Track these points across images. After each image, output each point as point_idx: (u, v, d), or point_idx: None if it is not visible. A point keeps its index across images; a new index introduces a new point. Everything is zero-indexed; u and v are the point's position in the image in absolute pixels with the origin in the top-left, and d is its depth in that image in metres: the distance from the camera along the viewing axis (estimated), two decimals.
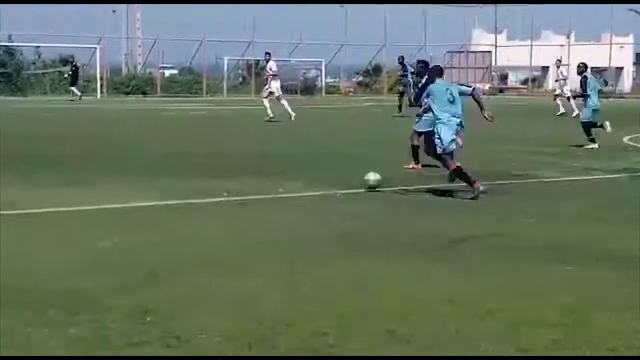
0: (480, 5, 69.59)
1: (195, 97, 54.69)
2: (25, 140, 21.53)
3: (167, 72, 65.62)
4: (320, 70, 64.21)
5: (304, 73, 64.32)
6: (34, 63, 55.55)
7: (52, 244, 9.24)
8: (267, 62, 32.46)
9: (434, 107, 13.41)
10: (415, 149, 16.36)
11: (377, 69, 66.24)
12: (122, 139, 23.04)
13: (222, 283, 7.74)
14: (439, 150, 13.29)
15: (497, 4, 68.92)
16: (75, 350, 5.89)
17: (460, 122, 13.28)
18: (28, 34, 56.31)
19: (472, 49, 72.64)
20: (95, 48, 56.29)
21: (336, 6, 65.39)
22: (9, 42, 54.51)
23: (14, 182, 13.76)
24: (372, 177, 13.45)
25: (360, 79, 67.95)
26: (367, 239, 9.88)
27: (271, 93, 31.13)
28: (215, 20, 60.71)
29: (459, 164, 13.17)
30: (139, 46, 64.13)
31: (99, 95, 53.28)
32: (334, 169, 16.43)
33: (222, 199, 12.67)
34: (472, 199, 12.65)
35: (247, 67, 64.24)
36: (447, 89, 13.44)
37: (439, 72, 14.03)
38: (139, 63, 63.19)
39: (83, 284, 7.54)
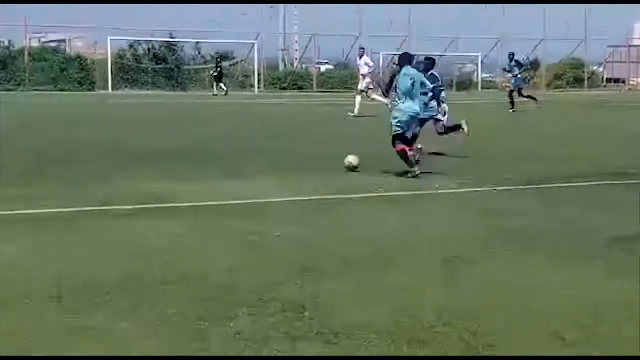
0: None
1: (351, 92, 54.81)
2: (183, 137, 22.03)
3: (324, 68, 66.07)
4: (477, 65, 63.36)
5: (460, 68, 63.60)
6: (194, 59, 56.88)
7: (209, 238, 9.33)
8: (361, 57, 31.93)
9: (398, 93, 14.59)
10: None
11: (535, 64, 64.81)
12: (279, 134, 23.26)
13: (379, 279, 7.63)
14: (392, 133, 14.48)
15: None
16: (234, 345, 5.87)
17: (417, 112, 14.49)
18: (189, 30, 57.74)
19: (635, 42, 70.15)
20: (254, 44, 57.19)
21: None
22: (170, 38, 56.05)
23: (173, 176, 14.06)
24: (352, 160, 14.77)
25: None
26: (529, 236, 9.59)
27: (364, 91, 30.34)
28: (371, 16, 60.55)
29: (403, 147, 14.27)
30: (296, 42, 64.81)
31: (256, 90, 54.19)
32: (489, 165, 16.11)
33: (376, 194, 12.57)
34: (413, 177, 14.02)
35: None
36: (411, 78, 14.46)
37: (406, 59, 14.95)
38: (296, 59, 63.87)
39: (240, 278, 7.56)
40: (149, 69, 53.85)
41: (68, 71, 51.84)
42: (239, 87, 55.78)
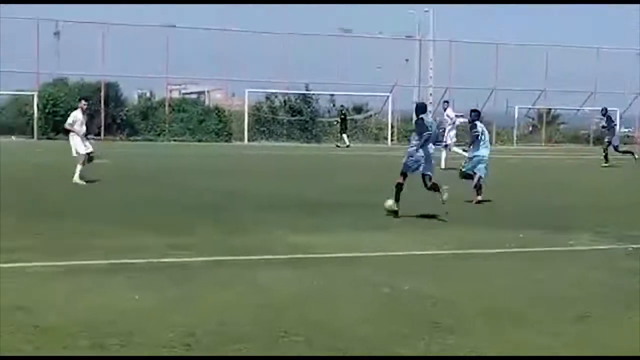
0: None
1: None
2: (320, 188, 22.30)
3: (459, 121, 65.80)
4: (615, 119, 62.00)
5: (597, 122, 62.35)
6: (329, 111, 57.60)
7: (341, 289, 9.42)
8: (445, 110, 32.14)
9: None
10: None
11: None
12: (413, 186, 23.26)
13: (508, 337, 7.55)
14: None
15: None
16: None
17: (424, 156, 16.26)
18: (324, 82, 58.54)
19: None
20: (388, 96, 57.53)
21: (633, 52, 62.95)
22: (306, 90, 56.96)
23: (309, 226, 14.27)
24: (390, 203, 15.87)
25: None
26: None
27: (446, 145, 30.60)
28: (506, 69, 60.09)
29: (400, 182, 16.06)
30: (430, 94, 64.87)
31: (389, 143, 54.42)
32: (623, 222, 15.74)
33: (508, 249, 12.46)
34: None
35: (538, 115, 63.38)
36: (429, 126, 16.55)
37: (422, 109, 17.08)
38: (430, 111, 63.91)
39: (370, 330, 7.61)
40: (285, 120, 54.82)
41: (206, 122, 53.27)
42: (372, 140, 56.14)
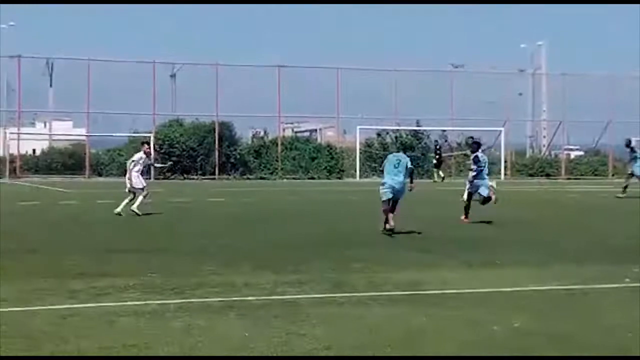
0: None
1: (600, 179, 53.44)
2: (430, 222, 22.21)
3: (573, 154, 64.77)
4: None
5: None
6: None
7: (449, 326, 9.35)
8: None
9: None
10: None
11: None
12: (526, 221, 22.99)
13: None
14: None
15: None
16: None
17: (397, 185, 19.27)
18: (435, 118, 58.44)
19: None
20: (500, 131, 57.03)
21: None
22: (417, 126, 56.96)
23: (417, 264, 14.24)
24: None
25: None
26: None
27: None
28: (623, 100, 58.86)
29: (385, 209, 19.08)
30: (544, 128, 64.03)
31: (502, 177, 53.85)
32: None
33: (623, 284, 12.17)
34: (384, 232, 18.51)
35: None
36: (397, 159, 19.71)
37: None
38: (544, 145, 63.03)
39: None
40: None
41: (318, 160, 53.73)
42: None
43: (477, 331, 9.06)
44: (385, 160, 20.02)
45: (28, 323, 9.22)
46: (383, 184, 19.56)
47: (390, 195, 19.22)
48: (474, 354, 8.09)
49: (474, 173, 22.60)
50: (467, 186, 22.76)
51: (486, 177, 22.80)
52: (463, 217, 22.21)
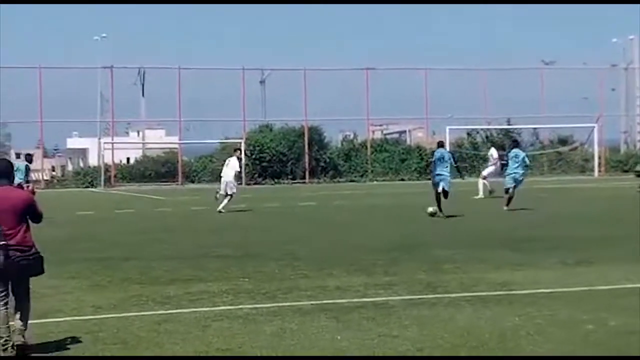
0: None
1: None
2: (525, 222, 21.95)
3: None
4: None
5: None
6: (532, 144, 56.66)
7: (543, 326, 9.24)
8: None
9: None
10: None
11: None
12: (624, 219, 22.58)
13: None
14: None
15: None
16: None
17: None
18: (527, 116, 57.74)
19: None
20: (593, 127, 56.04)
21: None
22: (507, 124, 56.35)
23: (510, 264, 14.10)
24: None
25: None
26: None
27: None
28: None
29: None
30: (638, 123, 62.66)
31: (596, 174, 52.97)
32: None
33: None
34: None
35: None
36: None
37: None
38: (638, 140, 61.71)
39: None
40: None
41: (408, 161, 53.57)
42: (578, 171, 54.80)
43: (571, 331, 8.93)
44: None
45: (124, 329, 9.41)
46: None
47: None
48: (569, 354, 7.97)
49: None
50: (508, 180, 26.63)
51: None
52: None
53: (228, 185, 27.09)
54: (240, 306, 10.68)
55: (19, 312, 8.35)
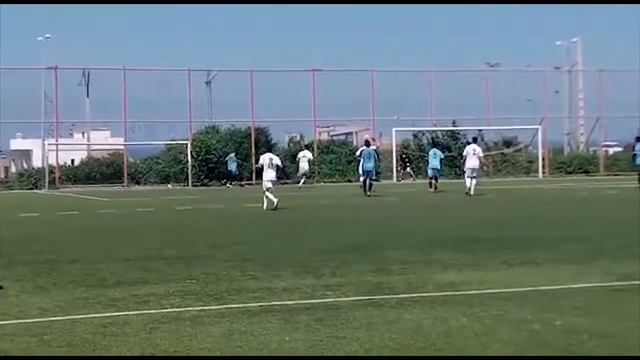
0: None
1: None
2: (470, 222, 22.14)
3: (611, 150, 64.27)
4: None
5: None
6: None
7: (488, 326, 9.31)
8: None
9: None
10: None
11: None
12: (565, 219, 22.85)
13: None
14: None
15: None
16: None
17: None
18: (471, 118, 58.25)
19: None
20: (537, 129, 56.69)
21: None
22: (453, 126, 56.82)
23: (457, 264, 14.20)
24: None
25: None
26: None
27: None
28: None
29: None
30: (581, 125, 63.55)
31: (540, 175, 53.58)
32: None
33: None
34: None
35: None
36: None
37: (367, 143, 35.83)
38: (581, 142, 62.58)
39: None
40: (424, 157, 54.69)
41: (355, 163, 53.68)
42: (523, 173, 55.42)
43: (518, 330, 9.00)
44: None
45: (70, 332, 9.29)
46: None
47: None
48: (516, 354, 8.04)
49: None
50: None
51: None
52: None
53: None
54: (188, 308, 10.61)
55: None
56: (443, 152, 54.11)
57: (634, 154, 38.80)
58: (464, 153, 36.41)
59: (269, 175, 28.11)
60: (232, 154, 50.93)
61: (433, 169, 38.62)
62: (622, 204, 29.10)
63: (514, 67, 63.48)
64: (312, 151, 54.68)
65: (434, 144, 45.60)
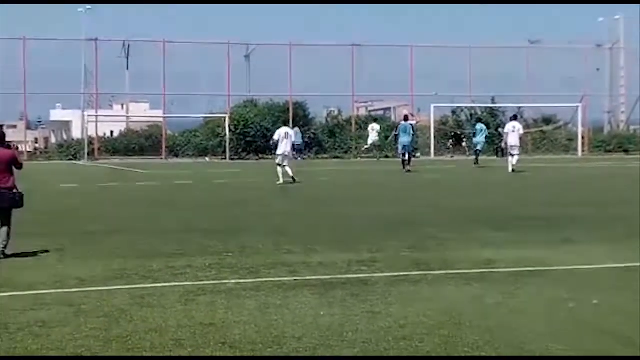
0: None
1: None
2: (511, 201, 22.02)
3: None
4: None
5: None
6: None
7: (526, 304, 9.28)
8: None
9: None
10: None
11: None
12: (602, 198, 22.67)
13: None
14: None
15: None
16: None
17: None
18: (511, 95, 57.76)
19: None
20: (578, 107, 56.15)
21: None
22: (492, 103, 56.40)
23: (495, 242, 14.14)
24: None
25: None
26: None
27: None
28: None
29: None
30: (622, 103, 62.81)
31: (579, 154, 53.15)
32: None
33: None
34: None
35: None
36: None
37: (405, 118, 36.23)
38: (622, 121, 61.89)
39: (557, 347, 7.47)
40: (471, 134, 54.34)
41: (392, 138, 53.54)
42: (562, 151, 54.99)
43: (553, 309, 8.97)
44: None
45: (107, 302, 9.40)
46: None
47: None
48: (550, 332, 8.01)
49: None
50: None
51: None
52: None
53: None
54: (224, 281, 10.68)
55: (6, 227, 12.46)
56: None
57: None
58: (505, 130, 36.39)
59: (283, 148, 28.28)
60: (297, 128, 51.47)
61: (477, 143, 40.39)
62: None
63: (555, 45, 62.71)
64: (351, 126, 54.66)
65: (479, 120, 45.94)
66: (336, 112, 58.35)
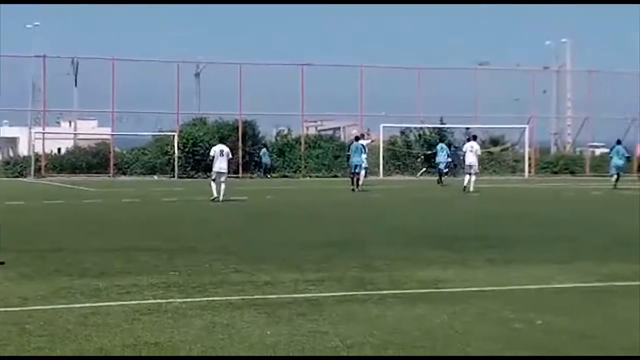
0: None
1: (626, 176, 53.02)
2: (455, 221, 22.16)
3: (598, 151, 64.45)
4: None
5: None
6: (464, 143, 57.23)
7: (469, 324, 9.34)
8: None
9: None
10: None
11: None
12: (551, 219, 22.92)
13: None
14: None
15: None
16: None
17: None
18: (459, 116, 58.30)
19: None
20: (525, 128, 56.83)
21: None
22: (440, 123, 56.87)
23: (440, 262, 14.22)
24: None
25: None
26: None
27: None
28: None
29: None
30: (569, 125, 63.71)
31: (526, 175, 53.72)
32: None
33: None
34: None
35: None
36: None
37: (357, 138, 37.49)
38: (568, 142, 62.76)
39: None
40: (419, 154, 54.74)
41: (341, 158, 53.73)
42: (509, 172, 55.55)
43: (499, 329, 9.03)
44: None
45: (52, 321, 9.28)
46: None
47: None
48: (496, 352, 8.06)
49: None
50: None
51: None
52: None
53: None
54: (170, 300, 10.60)
55: None
56: (430, 150, 54.66)
57: (610, 157, 40.00)
58: (463, 149, 37.28)
59: (218, 165, 28.47)
60: (264, 149, 52.50)
61: (439, 163, 42.47)
62: (605, 205, 29.21)
63: (503, 66, 63.53)
64: (300, 145, 54.72)
65: (441, 139, 49.64)
66: (286, 131, 58.45)
